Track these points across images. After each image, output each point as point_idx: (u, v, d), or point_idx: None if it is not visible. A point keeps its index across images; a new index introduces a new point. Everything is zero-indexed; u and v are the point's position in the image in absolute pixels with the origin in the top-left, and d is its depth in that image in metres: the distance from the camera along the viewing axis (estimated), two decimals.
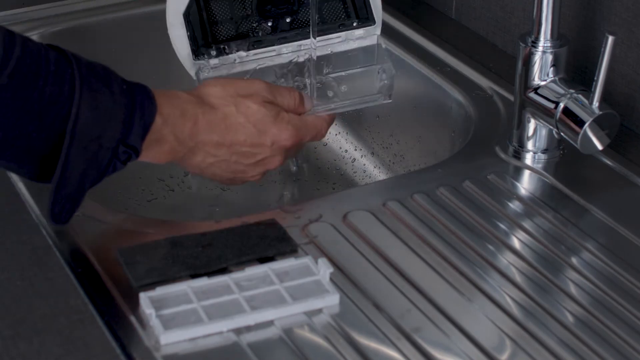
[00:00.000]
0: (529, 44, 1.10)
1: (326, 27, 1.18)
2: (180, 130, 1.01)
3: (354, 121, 1.46)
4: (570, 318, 0.90)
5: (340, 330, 0.88)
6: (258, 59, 1.16)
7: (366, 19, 1.19)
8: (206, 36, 1.15)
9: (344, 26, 1.19)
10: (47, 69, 0.92)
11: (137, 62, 1.43)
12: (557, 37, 1.10)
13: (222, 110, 1.04)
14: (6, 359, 0.85)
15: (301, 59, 1.17)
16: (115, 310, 0.90)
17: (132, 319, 0.89)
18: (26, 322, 0.89)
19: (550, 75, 1.11)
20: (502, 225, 1.03)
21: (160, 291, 0.90)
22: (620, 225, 1.02)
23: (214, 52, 1.15)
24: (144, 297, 0.89)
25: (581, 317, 0.90)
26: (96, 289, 0.93)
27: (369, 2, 1.18)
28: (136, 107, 0.96)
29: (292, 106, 1.10)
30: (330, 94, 1.16)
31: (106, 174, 0.96)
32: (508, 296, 0.93)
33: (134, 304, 0.90)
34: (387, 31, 1.41)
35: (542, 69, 1.11)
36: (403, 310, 0.91)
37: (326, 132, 1.13)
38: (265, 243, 0.98)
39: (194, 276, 0.93)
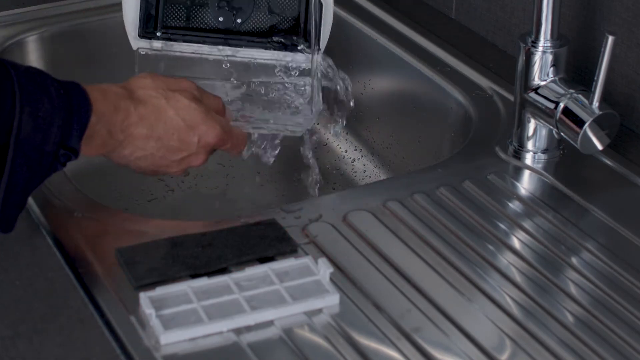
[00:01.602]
0: (529, 44, 1.10)
1: (275, 44, 1.20)
2: (113, 124, 1.02)
3: (354, 121, 1.46)
4: (570, 318, 0.90)
5: (340, 330, 0.88)
6: (201, 54, 1.19)
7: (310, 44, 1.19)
8: (156, 19, 1.17)
9: (291, 48, 1.20)
10: None
11: None
12: (557, 37, 1.10)
13: (153, 102, 1.05)
14: (6, 359, 0.85)
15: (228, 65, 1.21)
16: (115, 310, 0.90)
17: (132, 319, 0.89)
18: (26, 322, 0.89)
19: (550, 75, 1.11)
20: (502, 225, 1.03)
21: (160, 291, 0.90)
22: (620, 225, 1.02)
23: (159, 34, 1.18)
24: (144, 297, 0.89)
25: (581, 317, 0.90)
26: (96, 289, 0.93)
27: (319, 30, 1.18)
28: (73, 110, 0.96)
29: (216, 108, 1.12)
30: (251, 111, 1.19)
31: (47, 177, 0.97)
32: (508, 296, 0.93)
33: (134, 304, 0.90)
34: (388, 31, 1.41)
35: (542, 69, 1.11)
36: (403, 310, 0.91)
37: (244, 148, 1.15)
38: (265, 243, 0.98)
39: (194, 276, 0.93)
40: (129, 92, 1.04)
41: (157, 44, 1.17)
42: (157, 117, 1.05)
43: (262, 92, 1.20)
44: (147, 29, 1.18)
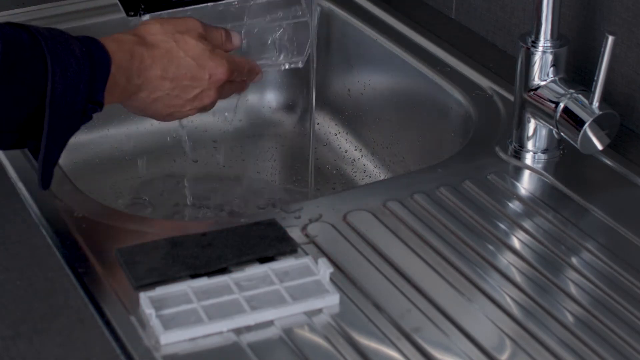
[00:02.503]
0: (529, 44, 1.10)
1: None
2: (130, 71, 1.06)
3: (354, 121, 1.46)
4: (570, 318, 0.90)
5: (340, 330, 0.88)
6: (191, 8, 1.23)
7: None
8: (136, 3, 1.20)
9: None
10: (23, 56, 0.96)
11: None
12: (557, 37, 1.10)
13: (164, 46, 1.10)
14: (6, 359, 0.85)
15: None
16: (115, 310, 0.90)
17: (132, 319, 0.89)
18: (26, 322, 0.89)
19: (550, 75, 1.11)
20: (502, 225, 1.03)
21: (160, 291, 0.90)
22: (620, 225, 1.02)
23: (143, 7, 1.20)
24: (144, 297, 0.89)
25: (581, 317, 0.90)
26: (96, 289, 0.93)
27: None
28: (96, 65, 1.00)
29: (220, 42, 1.17)
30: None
31: (77, 130, 1.02)
32: (508, 296, 0.93)
33: (134, 304, 0.90)
34: (388, 31, 1.41)
35: (542, 69, 1.11)
36: (403, 310, 0.91)
37: (259, 76, 1.21)
38: (265, 243, 0.98)
39: (194, 276, 0.93)
40: (140, 39, 1.09)
41: (146, 17, 1.21)
42: (169, 59, 1.10)
43: (258, 33, 1.25)
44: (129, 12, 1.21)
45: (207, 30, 1.16)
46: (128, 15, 1.19)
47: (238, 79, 1.18)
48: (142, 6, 1.19)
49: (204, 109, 1.16)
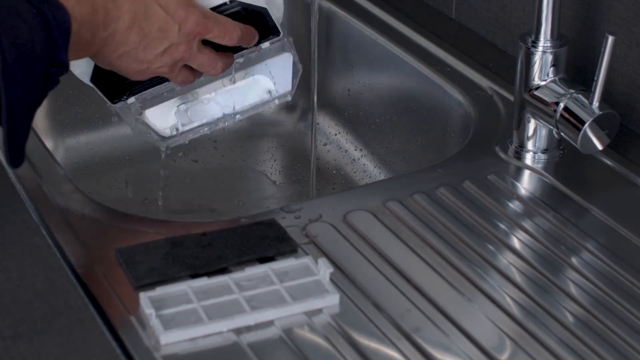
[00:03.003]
0: (529, 44, 1.10)
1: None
2: (95, 25, 1.00)
3: (354, 121, 1.46)
4: (570, 318, 0.90)
5: (340, 330, 0.88)
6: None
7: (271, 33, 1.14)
8: (120, 89, 1.12)
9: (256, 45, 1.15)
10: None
11: None
12: (557, 37, 1.10)
13: (134, 5, 1.03)
14: (6, 359, 0.85)
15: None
16: (115, 310, 0.90)
17: (132, 319, 0.89)
18: (26, 322, 0.89)
19: (550, 75, 1.11)
20: (502, 225, 1.03)
21: (160, 291, 0.90)
22: (620, 225, 1.02)
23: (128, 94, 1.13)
24: (144, 297, 0.89)
25: (581, 317, 0.90)
26: (96, 289, 0.93)
27: (269, 18, 1.13)
28: (52, 25, 0.94)
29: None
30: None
31: (45, 97, 0.97)
32: (508, 296, 0.93)
33: (134, 304, 0.90)
34: (388, 31, 1.41)
35: (542, 69, 1.11)
36: (403, 310, 0.91)
37: (237, 38, 1.09)
38: (265, 243, 0.98)
39: (194, 276, 0.93)
40: None
41: (132, 99, 1.13)
42: (137, 9, 1.03)
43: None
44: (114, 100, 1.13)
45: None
46: (113, 103, 1.12)
47: (215, 39, 1.08)
48: (127, 93, 1.12)
49: (176, 67, 1.07)
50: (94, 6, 1.00)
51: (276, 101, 1.18)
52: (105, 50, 1.03)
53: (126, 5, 1.03)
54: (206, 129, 1.17)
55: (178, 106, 1.16)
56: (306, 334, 0.88)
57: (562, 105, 1.08)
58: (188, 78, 1.10)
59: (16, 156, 0.95)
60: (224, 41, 1.08)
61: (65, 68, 0.96)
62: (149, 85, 1.12)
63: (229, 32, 1.08)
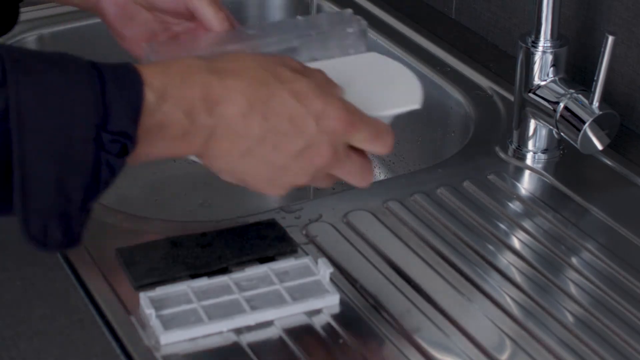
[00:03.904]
0: (529, 44, 1.10)
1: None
2: (188, 102, 0.77)
3: None
4: (570, 318, 0.90)
5: (340, 330, 0.88)
6: None
7: None
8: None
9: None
10: None
11: None
12: (557, 37, 1.10)
13: (247, 73, 0.79)
14: (6, 359, 0.85)
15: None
16: (115, 310, 0.90)
17: (132, 319, 0.89)
18: (26, 322, 0.89)
19: (550, 75, 1.11)
20: (502, 225, 1.03)
21: (160, 291, 0.90)
22: (620, 225, 1.02)
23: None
24: (144, 297, 0.89)
25: (581, 317, 0.90)
26: (96, 289, 0.93)
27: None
28: (106, 81, 0.74)
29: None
30: None
31: (102, 175, 0.76)
32: (508, 296, 0.93)
33: (134, 304, 0.90)
34: (388, 31, 1.41)
35: (542, 69, 1.11)
36: (403, 310, 0.91)
37: (392, 144, 0.85)
38: (265, 243, 0.98)
39: (194, 276, 0.93)
40: (205, 63, 0.80)
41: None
42: (255, 91, 0.79)
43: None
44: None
45: (304, 67, 0.85)
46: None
47: (363, 143, 0.83)
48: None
49: (318, 176, 0.83)
50: (185, 77, 0.78)
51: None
52: (217, 145, 0.79)
53: (238, 84, 0.79)
54: None
55: None
56: (306, 334, 0.88)
57: (562, 105, 1.08)
58: (328, 184, 0.88)
59: (39, 234, 0.75)
60: (375, 147, 0.84)
61: (131, 140, 0.75)
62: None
63: (383, 137, 0.84)
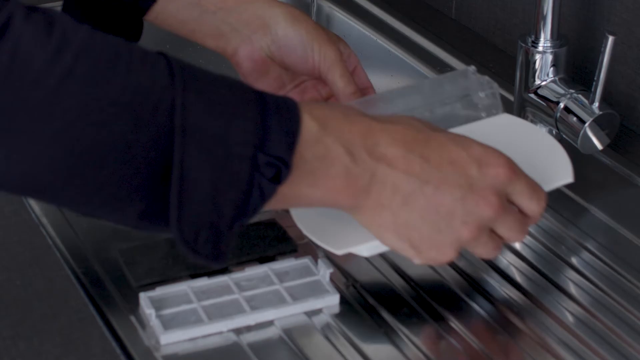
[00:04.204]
0: (529, 44, 1.10)
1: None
2: (351, 138, 0.75)
3: None
4: (570, 318, 0.90)
5: (340, 330, 0.88)
6: None
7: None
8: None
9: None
10: (129, 54, 0.71)
11: None
12: (557, 37, 1.10)
13: (401, 121, 0.78)
14: (6, 359, 0.85)
15: None
16: (115, 310, 0.90)
17: (132, 319, 0.89)
18: (26, 322, 0.89)
19: (550, 75, 1.11)
20: None
21: (160, 291, 0.90)
22: (620, 225, 1.02)
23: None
24: (144, 297, 0.89)
25: (581, 317, 0.90)
26: (96, 289, 0.93)
27: None
28: (268, 104, 0.73)
29: None
30: None
31: (252, 197, 0.72)
32: (508, 296, 0.93)
33: (134, 304, 0.90)
34: (388, 31, 1.41)
35: (542, 69, 1.10)
36: (403, 310, 0.91)
37: (546, 205, 0.83)
38: (265, 243, 0.98)
39: (194, 276, 0.93)
40: (360, 110, 0.79)
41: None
42: (414, 133, 0.77)
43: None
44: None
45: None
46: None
47: (518, 197, 0.80)
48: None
49: (484, 230, 0.78)
50: (347, 116, 0.76)
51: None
52: (378, 191, 0.76)
53: (396, 127, 0.77)
54: None
55: None
56: (306, 334, 0.88)
57: (562, 105, 1.08)
58: (491, 251, 0.81)
59: (193, 240, 0.72)
60: (531, 203, 0.81)
61: (286, 165, 0.72)
62: None
63: (539, 193, 0.81)
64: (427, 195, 0.76)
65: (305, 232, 0.85)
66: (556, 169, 0.85)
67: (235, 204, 0.72)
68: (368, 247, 0.84)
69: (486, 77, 0.98)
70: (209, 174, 0.71)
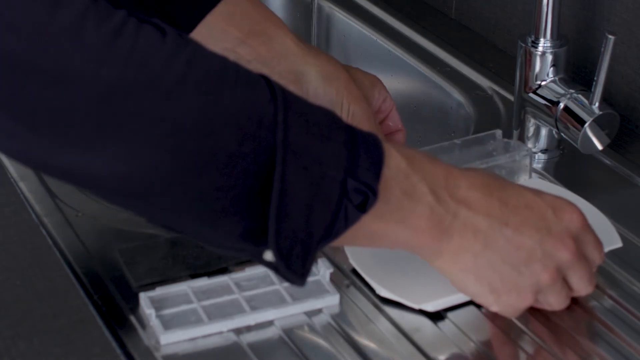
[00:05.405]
0: (529, 44, 1.10)
1: None
2: (435, 179, 0.77)
3: None
4: (570, 318, 0.90)
5: (340, 330, 0.88)
6: None
7: None
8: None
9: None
10: (236, 67, 0.73)
11: None
12: (557, 37, 1.10)
13: (476, 169, 0.82)
14: (6, 359, 0.85)
15: None
16: (115, 310, 0.90)
17: (132, 319, 0.89)
18: (26, 322, 0.89)
19: (550, 75, 1.11)
20: None
21: (160, 291, 0.90)
22: (620, 225, 1.02)
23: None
24: (144, 297, 0.89)
25: (581, 317, 0.90)
26: (96, 289, 0.93)
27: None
28: (357, 133, 0.75)
29: None
30: None
31: (338, 221, 0.74)
32: None
33: (134, 304, 0.90)
34: (388, 31, 1.41)
35: (542, 69, 1.11)
36: (403, 310, 0.91)
37: (603, 257, 0.87)
38: None
39: (194, 276, 0.93)
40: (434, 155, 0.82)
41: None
42: (490, 179, 0.80)
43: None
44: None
45: None
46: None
47: (588, 242, 0.83)
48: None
49: (559, 276, 0.81)
50: (429, 158, 0.79)
51: None
52: (460, 233, 0.78)
53: (473, 173, 0.80)
54: None
55: None
56: (306, 334, 0.88)
57: (562, 105, 1.08)
58: (563, 300, 0.85)
59: (287, 253, 0.73)
60: (596, 257, 0.85)
61: (373, 192, 0.74)
62: None
63: (600, 247, 0.85)
64: (507, 237, 0.78)
65: (376, 287, 0.90)
66: (601, 234, 0.87)
67: (324, 224, 0.73)
68: (445, 301, 0.87)
69: (519, 142, 1.02)
70: (306, 192, 0.72)
